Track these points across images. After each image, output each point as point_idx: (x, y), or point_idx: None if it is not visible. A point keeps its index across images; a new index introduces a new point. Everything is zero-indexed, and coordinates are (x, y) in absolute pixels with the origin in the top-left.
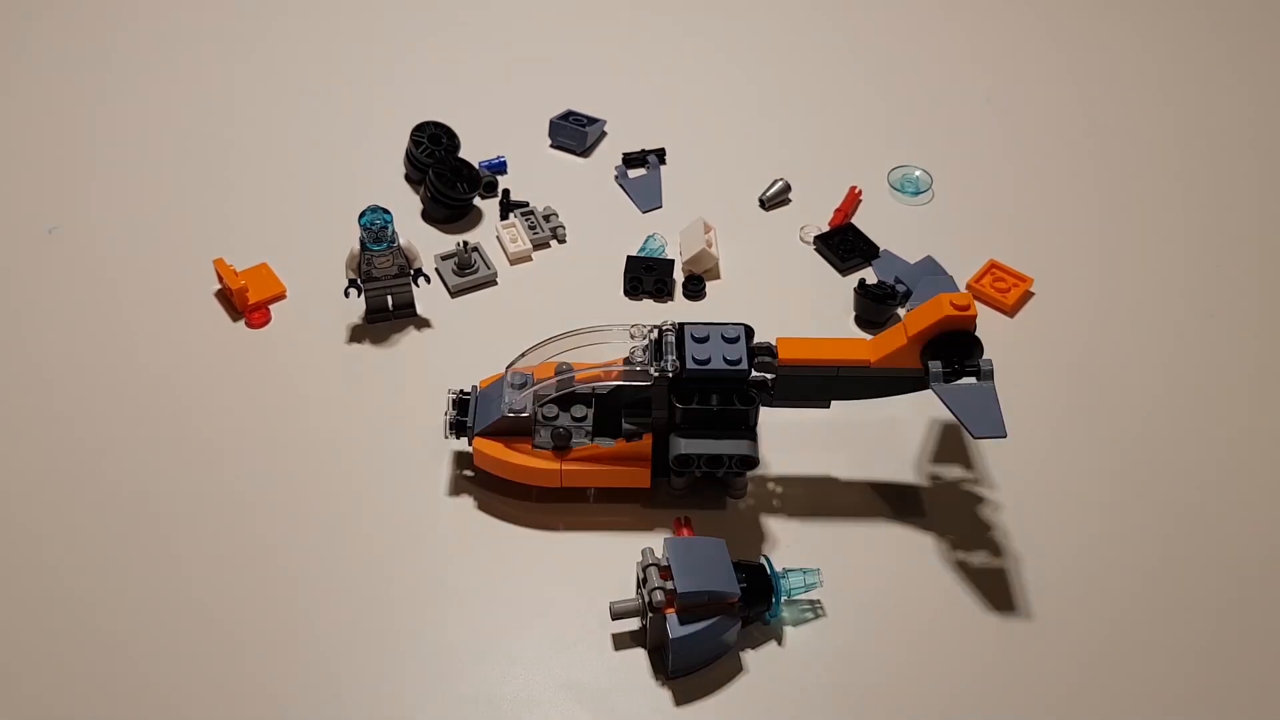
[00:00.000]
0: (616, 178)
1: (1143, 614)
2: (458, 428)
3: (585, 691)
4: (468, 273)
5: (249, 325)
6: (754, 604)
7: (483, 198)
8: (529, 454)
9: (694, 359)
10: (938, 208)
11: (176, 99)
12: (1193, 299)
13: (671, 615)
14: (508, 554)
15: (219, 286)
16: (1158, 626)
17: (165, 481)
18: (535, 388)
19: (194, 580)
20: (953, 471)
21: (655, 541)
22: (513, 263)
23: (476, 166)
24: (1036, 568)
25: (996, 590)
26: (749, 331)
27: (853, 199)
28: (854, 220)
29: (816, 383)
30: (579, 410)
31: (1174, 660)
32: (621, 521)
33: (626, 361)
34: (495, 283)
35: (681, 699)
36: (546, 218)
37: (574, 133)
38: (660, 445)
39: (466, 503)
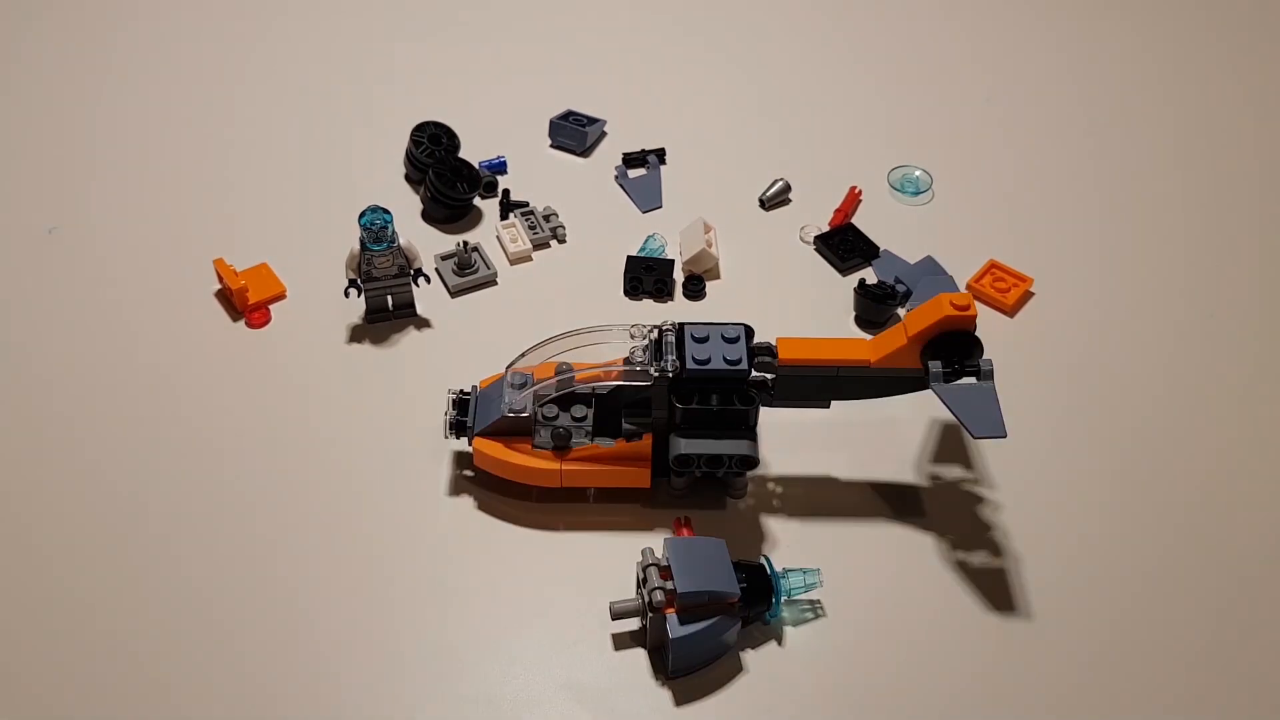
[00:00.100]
0: (616, 178)
1: (1143, 614)
2: (457, 428)
3: (585, 691)
4: (468, 273)
5: (249, 325)
6: (754, 604)
7: (483, 198)
8: (529, 454)
9: (694, 359)
10: (938, 208)
11: (176, 99)
12: (1193, 299)
13: (671, 615)
14: (508, 554)
15: (219, 286)
16: (1158, 626)
17: (165, 481)
18: (535, 388)
19: (194, 580)
20: (953, 471)
21: (655, 541)
22: (513, 263)
23: (476, 166)
24: (1036, 568)
25: (996, 590)
26: (749, 331)
27: (852, 199)
28: (854, 220)
29: (816, 383)
30: (579, 410)
31: (1174, 660)
32: (621, 521)
33: (626, 361)
34: (495, 283)
35: (681, 699)
36: (546, 218)
37: (574, 133)
38: (660, 445)
39: (466, 503)
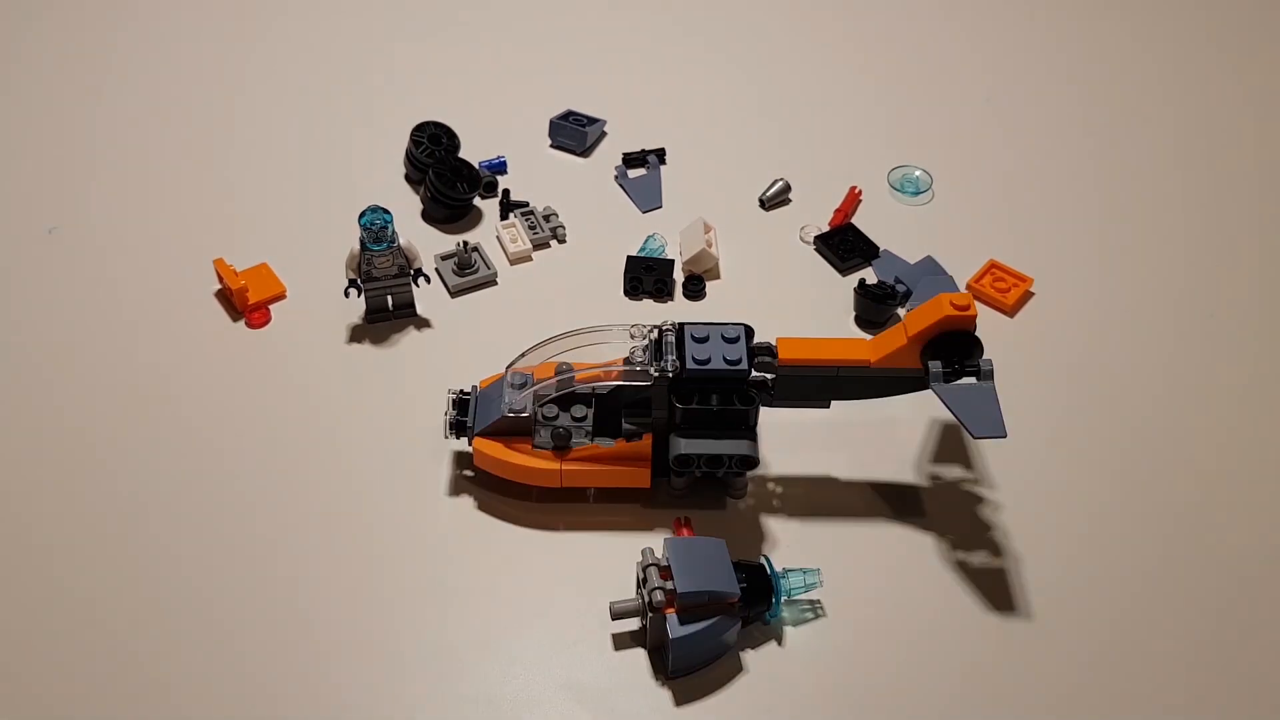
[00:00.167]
0: (616, 178)
1: (1143, 614)
2: (457, 428)
3: (585, 691)
4: (468, 273)
5: (249, 325)
6: (754, 604)
7: (483, 198)
8: (529, 454)
9: (694, 359)
10: (938, 208)
11: (176, 99)
12: (1193, 299)
13: (671, 615)
14: (508, 554)
15: (219, 286)
16: (1158, 626)
17: (165, 481)
18: (535, 388)
19: (194, 580)
20: (953, 471)
21: (655, 541)
22: (513, 263)
23: (476, 166)
24: (1036, 568)
25: (996, 590)
26: (749, 331)
27: (852, 199)
28: (854, 220)
29: (816, 383)
30: (579, 410)
31: (1174, 660)
32: (621, 521)
33: (627, 361)
34: (495, 283)
35: (681, 699)
36: (546, 218)
37: (574, 133)
38: (660, 445)
39: (466, 503)
